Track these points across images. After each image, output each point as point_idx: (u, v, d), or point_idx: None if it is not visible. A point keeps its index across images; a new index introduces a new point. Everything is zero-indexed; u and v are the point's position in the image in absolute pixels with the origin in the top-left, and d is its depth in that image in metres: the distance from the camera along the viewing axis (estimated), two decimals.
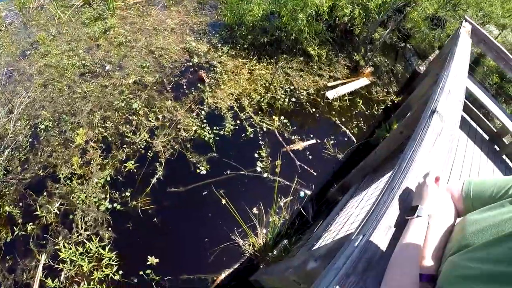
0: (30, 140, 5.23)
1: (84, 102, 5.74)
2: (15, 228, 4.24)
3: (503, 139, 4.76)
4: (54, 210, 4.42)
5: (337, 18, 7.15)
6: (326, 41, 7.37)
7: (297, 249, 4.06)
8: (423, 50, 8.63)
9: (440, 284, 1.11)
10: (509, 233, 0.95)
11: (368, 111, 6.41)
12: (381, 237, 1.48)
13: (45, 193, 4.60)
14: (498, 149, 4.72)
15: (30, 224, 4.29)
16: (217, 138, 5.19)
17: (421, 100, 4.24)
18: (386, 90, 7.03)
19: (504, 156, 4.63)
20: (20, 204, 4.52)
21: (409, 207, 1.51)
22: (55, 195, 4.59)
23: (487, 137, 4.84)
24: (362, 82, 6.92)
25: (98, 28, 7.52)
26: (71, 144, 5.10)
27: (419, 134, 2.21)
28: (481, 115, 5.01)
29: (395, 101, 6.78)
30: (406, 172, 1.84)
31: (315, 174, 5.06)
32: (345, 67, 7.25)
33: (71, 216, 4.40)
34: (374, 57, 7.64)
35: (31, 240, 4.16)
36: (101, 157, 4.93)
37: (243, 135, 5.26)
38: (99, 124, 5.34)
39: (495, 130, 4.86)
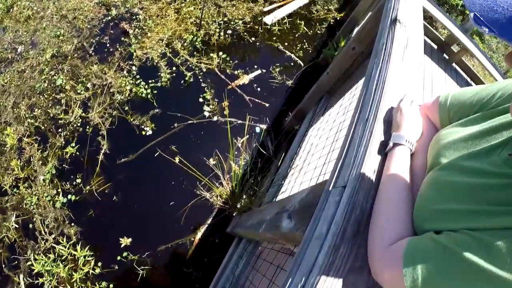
0: None
1: (5, 96, 4.89)
2: None
3: (451, 47, 4.52)
4: (12, 225, 3.92)
5: None
6: None
7: (266, 190, 3.69)
8: None
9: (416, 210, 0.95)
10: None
11: (311, 32, 5.78)
12: (368, 185, 1.13)
13: None
14: (447, 57, 4.51)
15: None
16: (155, 91, 4.51)
17: (372, 11, 3.77)
18: (326, 8, 6.31)
19: (454, 64, 4.48)
20: None
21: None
22: (8, 208, 4.05)
23: (435, 47, 4.58)
24: (300, 2, 6.18)
25: (0, 8, 6.52)
26: (5, 148, 4.40)
27: (383, 48, 1.80)
28: (428, 25, 4.72)
29: (338, 18, 6.12)
30: (378, 95, 1.46)
31: (267, 105, 4.54)
32: None
33: (31, 225, 3.92)
34: None
35: (3, 265, 3.75)
36: (40, 151, 4.28)
37: (182, 81, 4.57)
38: (27, 116, 4.59)
39: (443, 39, 4.59)
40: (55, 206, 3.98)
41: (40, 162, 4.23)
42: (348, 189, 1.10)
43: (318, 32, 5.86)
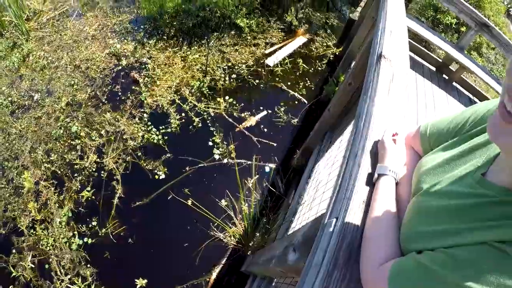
0: None
1: (23, 141, 5.18)
2: None
3: (450, 67, 4.70)
4: (28, 265, 4.04)
5: None
6: (255, 9, 6.98)
7: (278, 227, 3.85)
8: None
9: (402, 234, 1.04)
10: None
11: (312, 69, 6.13)
12: (357, 215, 1.25)
13: (14, 251, 4.18)
14: (447, 77, 4.67)
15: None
16: (167, 137, 4.81)
17: (363, 47, 3.98)
18: (325, 44, 6.74)
19: (454, 83, 4.61)
20: None
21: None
22: (24, 249, 4.17)
23: (434, 69, 4.75)
24: (299, 41, 6.63)
25: (16, 57, 6.80)
26: (22, 191, 4.60)
27: (370, 84, 1.95)
28: (424, 49, 4.92)
29: (337, 53, 6.52)
30: (366, 131, 1.59)
31: (274, 145, 4.80)
32: (279, 30, 6.88)
33: (47, 265, 4.04)
34: (306, 14, 7.32)
35: None
36: (56, 194, 4.49)
37: (191, 126, 4.89)
38: (44, 160, 4.84)
39: (441, 60, 4.78)
40: (71, 247, 4.13)
41: (57, 205, 4.42)
42: (340, 220, 1.26)
43: (319, 68, 6.23)
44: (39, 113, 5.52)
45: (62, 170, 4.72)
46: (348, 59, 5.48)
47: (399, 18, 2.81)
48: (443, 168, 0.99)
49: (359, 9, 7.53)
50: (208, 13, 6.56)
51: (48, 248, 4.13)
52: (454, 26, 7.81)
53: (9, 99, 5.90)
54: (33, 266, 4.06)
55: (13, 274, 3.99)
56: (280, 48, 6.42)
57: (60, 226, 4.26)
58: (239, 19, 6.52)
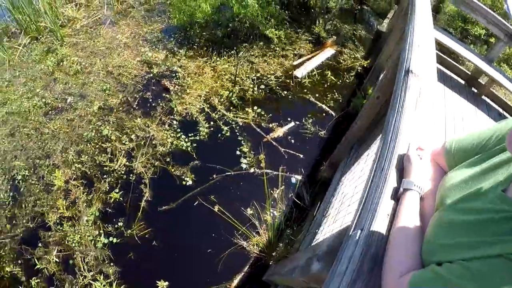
0: (11, 194, 4.94)
1: (55, 141, 5.42)
2: (20, 287, 4.09)
3: (479, 80, 4.66)
4: (53, 259, 4.22)
5: None
6: (283, 20, 7.10)
7: (301, 239, 3.91)
8: (381, 8, 8.41)
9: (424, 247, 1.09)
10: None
11: (340, 81, 6.17)
12: (382, 227, 1.31)
13: (40, 244, 4.38)
14: (476, 91, 4.62)
15: (34, 279, 4.10)
16: (195, 144, 4.95)
17: (391, 60, 4.02)
18: (353, 57, 6.77)
19: (483, 97, 4.56)
20: (19, 261, 4.30)
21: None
22: (50, 243, 4.36)
23: (463, 82, 4.72)
24: (327, 53, 6.70)
25: (51, 61, 7.12)
26: (52, 188, 4.82)
27: (398, 99, 2.01)
28: (453, 62, 4.89)
29: (365, 65, 6.55)
30: (393, 145, 1.65)
31: (301, 156, 4.87)
32: (307, 42, 6.97)
33: (71, 261, 4.20)
34: (334, 26, 7.40)
35: None
36: (85, 193, 4.67)
37: (220, 135, 5.02)
38: (74, 160, 5.06)
39: (469, 73, 4.74)
40: (96, 246, 4.30)
41: (85, 204, 4.61)
42: (365, 231, 1.31)
43: (347, 81, 6.26)
44: (71, 115, 5.76)
45: (92, 171, 4.90)
46: (376, 72, 5.52)
47: (427, 32, 2.86)
48: (467, 184, 1.03)
49: (386, 20, 7.59)
50: (238, 23, 6.73)
51: (73, 244, 4.31)
52: (483, 37, 7.74)
53: (43, 100, 6.19)
54: (57, 260, 4.24)
55: (38, 266, 4.18)
56: (308, 59, 6.52)
57: (87, 224, 4.43)
58: (268, 30, 6.66)
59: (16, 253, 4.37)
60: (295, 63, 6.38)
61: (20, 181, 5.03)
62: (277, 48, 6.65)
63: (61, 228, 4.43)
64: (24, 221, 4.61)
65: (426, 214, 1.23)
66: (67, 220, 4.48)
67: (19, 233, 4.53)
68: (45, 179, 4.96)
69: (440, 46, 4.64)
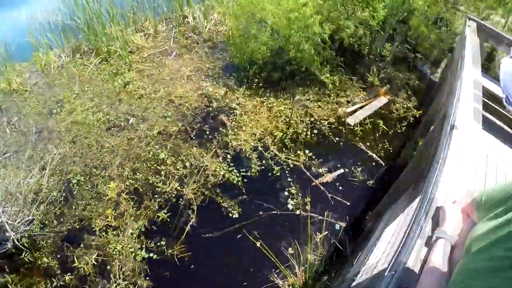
0: (64, 194, 5.40)
1: (113, 155, 5.88)
2: (53, 279, 4.36)
3: None
4: (91, 261, 4.51)
5: (343, 41, 7.10)
6: (338, 66, 7.37)
7: (338, 285, 3.96)
8: (435, 56, 8.38)
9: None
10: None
11: (391, 131, 6.23)
12: (414, 271, 1.53)
13: (81, 245, 4.71)
14: None
15: (68, 274, 4.39)
16: (245, 180, 5.21)
17: (440, 112, 4.11)
18: (405, 106, 6.84)
19: None
20: (58, 256, 4.65)
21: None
22: (92, 246, 4.68)
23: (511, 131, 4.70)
24: (380, 101, 6.83)
25: (118, 83, 7.76)
26: (104, 197, 5.21)
27: (441, 154, 2.18)
28: (504, 111, 4.84)
29: (417, 116, 6.60)
30: (432, 197, 1.84)
31: (347, 204, 4.97)
32: (361, 89, 7.17)
33: (108, 267, 4.48)
34: (388, 74, 7.51)
35: None
36: (134, 208, 5.01)
37: (270, 174, 5.27)
38: (129, 176, 5.45)
39: None
40: (136, 258, 4.56)
41: (132, 218, 4.93)
42: (398, 273, 1.48)
43: (398, 131, 6.28)
44: (132, 135, 6.24)
45: (144, 189, 5.24)
46: (427, 123, 5.52)
47: (475, 86, 3.00)
48: (490, 235, 1.08)
49: (439, 70, 7.62)
50: (295, 67, 7.11)
51: (114, 252, 4.60)
52: None
53: (107, 117, 6.73)
54: (95, 263, 4.53)
55: (76, 264, 4.49)
56: (361, 107, 6.69)
57: (131, 236, 4.72)
58: (323, 75, 6.89)
59: (57, 248, 4.74)
60: (348, 110, 6.58)
61: (75, 185, 5.49)
62: (332, 94, 6.90)
63: (105, 235, 4.76)
64: (72, 221, 5.01)
65: (456, 262, 1.33)
66: (113, 229, 4.80)
67: (64, 231, 4.93)
68: (98, 188, 5.37)
69: (490, 95, 4.67)
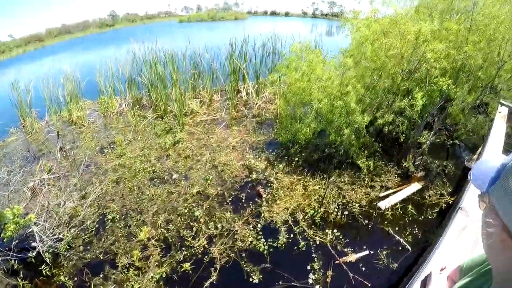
0: (97, 226, 5.96)
1: (151, 203, 6.43)
2: None
3: None
4: None
5: (382, 128, 7.49)
6: (375, 151, 7.73)
7: None
8: (473, 143, 8.61)
9: None
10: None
11: (422, 217, 6.22)
12: None
13: (101, 275, 5.06)
14: None
15: None
16: (271, 249, 5.43)
17: None
18: (439, 193, 6.85)
19: None
20: (75, 278, 5.02)
21: None
22: (110, 279, 5.01)
23: None
24: (413, 188, 6.94)
25: (169, 140, 8.58)
26: (133, 238, 5.65)
27: (445, 230, 2.49)
28: None
29: (450, 202, 6.57)
30: (426, 265, 2.15)
31: (368, 285, 4.97)
32: (396, 175, 7.38)
33: None
34: (424, 161, 7.71)
35: None
36: (160, 255, 5.34)
37: (295, 247, 5.46)
38: (162, 225, 5.89)
39: None
40: None
41: (156, 263, 5.24)
42: None
43: (429, 217, 6.24)
44: (172, 189, 6.84)
45: (173, 239, 5.61)
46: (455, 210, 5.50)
47: None
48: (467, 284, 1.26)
49: (475, 156, 7.64)
50: (333, 150, 7.60)
51: None
52: None
53: (153, 168, 7.43)
54: None
55: None
56: (394, 193, 6.84)
57: (151, 280, 4.98)
58: (360, 160, 7.26)
59: (76, 271, 5.14)
60: (381, 194, 6.77)
61: (109, 220, 6.05)
62: (366, 179, 7.18)
63: (126, 272, 5.08)
64: (97, 251, 5.45)
65: None
66: (135, 269, 5.12)
67: (88, 258, 5.36)
68: (130, 228, 5.86)
69: None
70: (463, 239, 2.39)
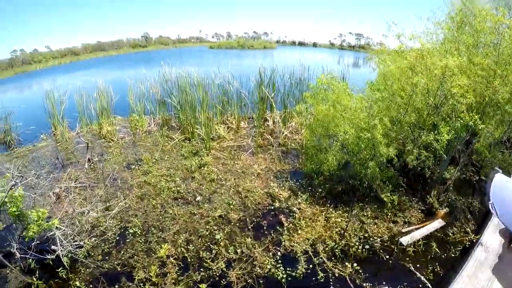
0: (117, 238, 6.23)
1: (173, 222, 6.68)
2: None
3: None
4: None
5: (407, 163, 7.45)
6: (399, 186, 7.74)
7: None
8: None
9: None
10: None
11: (445, 254, 6.06)
12: None
13: (116, 286, 5.25)
14: None
15: None
16: (289, 278, 5.50)
17: None
18: (463, 230, 6.73)
19: None
20: (90, 285, 5.24)
21: None
22: None
23: None
24: (437, 224, 6.89)
25: (195, 162, 8.90)
26: (153, 254, 5.86)
27: (465, 264, 2.55)
28: None
29: (474, 240, 6.18)
30: None
31: None
32: (419, 210, 7.36)
33: None
34: (448, 197, 7.62)
35: None
36: (178, 274, 5.50)
37: (314, 278, 5.53)
38: (182, 245, 6.09)
39: None
40: None
41: (173, 281, 5.39)
42: None
43: (452, 255, 6.04)
44: (195, 210, 7.09)
45: (192, 260, 5.79)
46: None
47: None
48: None
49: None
50: (357, 182, 7.64)
51: None
52: None
53: (178, 188, 7.72)
54: None
55: None
56: (417, 228, 6.79)
57: None
58: (384, 194, 7.28)
59: (93, 279, 5.35)
60: (403, 230, 6.75)
61: (130, 234, 6.31)
62: (389, 213, 7.17)
63: (142, 286, 5.25)
64: (116, 262, 5.68)
65: None
66: (151, 284, 5.29)
67: (105, 268, 5.59)
68: (151, 244, 6.08)
69: None
70: (481, 275, 2.52)
